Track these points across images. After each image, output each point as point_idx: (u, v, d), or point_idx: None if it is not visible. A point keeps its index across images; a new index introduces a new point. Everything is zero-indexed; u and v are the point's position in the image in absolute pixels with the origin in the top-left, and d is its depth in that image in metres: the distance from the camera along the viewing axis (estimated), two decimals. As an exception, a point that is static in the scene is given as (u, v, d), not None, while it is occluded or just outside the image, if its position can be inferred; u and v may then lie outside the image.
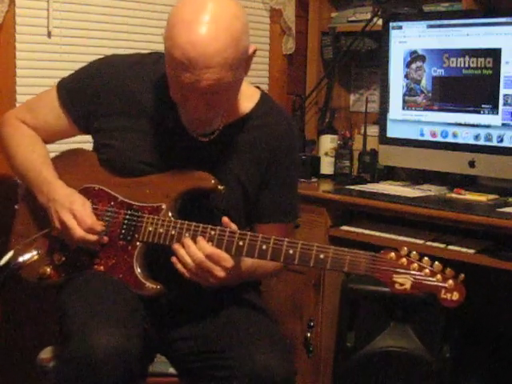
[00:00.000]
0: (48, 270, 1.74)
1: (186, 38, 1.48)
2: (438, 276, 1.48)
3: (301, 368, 2.57)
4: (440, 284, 1.48)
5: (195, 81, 1.50)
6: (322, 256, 1.54)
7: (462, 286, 1.49)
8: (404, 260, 1.50)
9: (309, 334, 2.55)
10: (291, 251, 1.56)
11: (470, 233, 2.26)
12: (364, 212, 2.48)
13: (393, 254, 1.51)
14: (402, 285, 1.50)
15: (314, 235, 2.50)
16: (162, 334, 1.75)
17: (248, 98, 1.75)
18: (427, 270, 1.49)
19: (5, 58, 2.28)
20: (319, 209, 2.51)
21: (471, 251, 2.18)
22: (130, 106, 1.73)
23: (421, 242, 2.29)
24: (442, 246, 2.24)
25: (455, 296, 1.48)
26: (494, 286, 2.55)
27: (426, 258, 1.50)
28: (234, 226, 1.60)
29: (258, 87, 1.82)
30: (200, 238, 1.59)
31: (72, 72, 1.83)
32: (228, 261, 1.58)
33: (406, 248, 1.52)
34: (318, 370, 2.57)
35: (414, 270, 1.49)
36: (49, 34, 2.36)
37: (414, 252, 1.51)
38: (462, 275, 1.49)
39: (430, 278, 1.48)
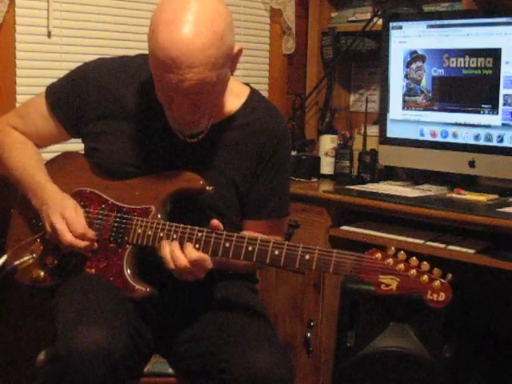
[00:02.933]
0: (41, 273, 1.74)
1: (168, 38, 1.47)
2: (425, 276, 1.46)
3: (301, 368, 2.57)
4: (426, 285, 1.46)
5: (179, 81, 1.49)
6: (307, 257, 1.53)
7: (448, 287, 1.46)
8: (390, 260, 1.48)
9: (309, 334, 2.55)
10: (277, 252, 1.55)
11: (469, 233, 2.26)
12: (364, 212, 2.48)
13: (379, 255, 1.49)
14: (387, 285, 1.47)
15: (314, 235, 2.50)
16: (160, 336, 1.74)
17: (236, 97, 1.74)
18: (413, 271, 1.46)
19: (5, 58, 2.28)
20: (319, 209, 2.51)
21: (471, 251, 2.18)
22: (117, 109, 1.73)
23: (421, 241, 2.29)
24: (442, 246, 2.24)
25: (441, 297, 1.46)
26: (494, 286, 2.55)
27: (413, 258, 1.48)
28: (221, 228, 1.60)
29: (247, 84, 1.81)
30: (187, 244, 1.58)
31: (61, 77, 1.83)
32: (209, 262, 1.58)
33: (393, 248, 1.49)
34: (318, 370, 2.57)
35: (400, 270, 1.47)
36: (49, 34, 2.36)
37: (402, 252, 1.49)
38: (450, 275, 1.47)
39: (417, 279, 1.46)
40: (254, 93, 1.78)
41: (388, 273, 1.47)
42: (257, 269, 1.88)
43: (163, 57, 1.48)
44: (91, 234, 1.67)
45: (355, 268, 1.50)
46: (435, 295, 1.46)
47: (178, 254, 1.57)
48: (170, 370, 1.74)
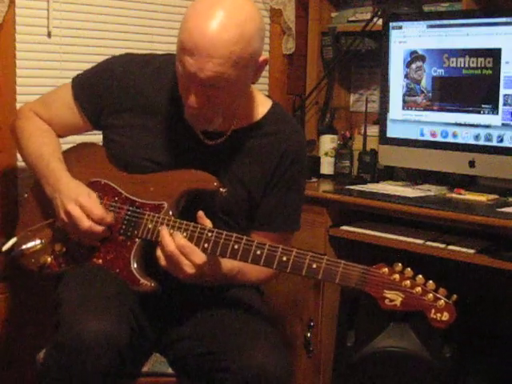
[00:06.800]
0: (49, 259, 1.76)
1: (197, 25, 1.51)
2: (430, 295, 1.47)
3: (301, 368, 2.57)
4: (430, 303, 1.47)
5: (197, 69, 1.51)
6: (314, 266, 1.54)
7: (452, 307, 1.47)
8: (396, 276, 1.49)
9: (309, 334, 2.55)
10: (285, 258, 1.56)
11: (470, 233, 2.26)
12: (364, 212, 2.48)
13: (386, 269, 1.50)
14: (391, 301, 1.48)
15: (314, 235, 2.50)
16: (160, 334, 1.75)
17: (259, 106, 1.77)
18: (419, 288, 1.47)
19: (5, 58, 2.28)
20: (319, 209, 2.51)
21: (471, 251, 2.18)
22: (140, 104, 1.75)
23: (421, 241, 2.29)
24: (442, 246, 2.24)
25: (445, 317, 1.46)
26: (494, 286, 2.55)
27: (419, 276, 1.49)
28: (207, 223, 1.61)
29: (269, 96, 1.83)
30: (176, 232, 1.60)
31: (87, 68, 1.87)
32: (199, 257, 1.58)
33: (400, 264, 1.50)
34: (318, 369, 2.57)
35: (405, 286, 1.48)
36: (49, 34, 2.36)
37: (409, 269, 1.50)
38: (455, 296, 1.48)
39: (421, 297, 1.47)
40: (276, 105, 1.81)
41: (393, 288, 1.48)
42: (264, 282, 1.87)
43: (188, 41, 1.51)
44: (110, 217, 1.68)
45: (361, 281, 1.51)
46: (439, 314, 1.47)
47: (167, 238, 1.58)
48: (170, 370, 1.74)
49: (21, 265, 1.78)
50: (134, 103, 1.75)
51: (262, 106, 1.78)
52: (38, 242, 1.76)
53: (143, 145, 1.74)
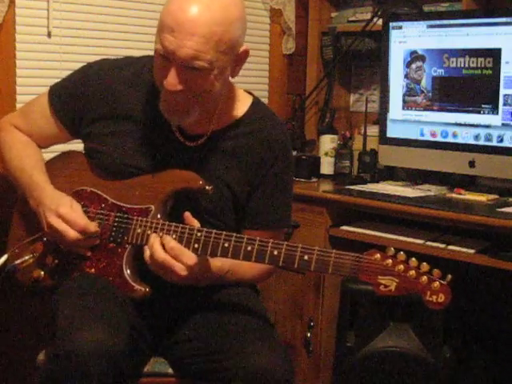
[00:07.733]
0: (42, 273, 1.74)
1: (179, 5, 1.51)
2: (424, 277, 1.45)
3: (301, 368, 2.57)
4: (425, 286, 1.45)
5: (177, 46, 1.50)
6: (306, 257, 1.53)
7: (448, 288, 1.45)
8: (389, 261, 1.47)
9: (309, 334, 2.55)
10: (276, 252, 1.55)
11: (469, 233, 2.26)
12: (364, 212, 2.48)
13: (378, 255, 1.48)
14: (386, 286, 1.46)
15: (314, 235, 2.50)
16: (160, 337, 1.74)
17: (239, 105, 1.74)
18: (413, 272, 1.45)
19: (5, 58, 2.28)
20: (319, 209, 2.51)
21: (471, 251, 2.18)
22: (118, 110, 1.73)
23: (421, 241, 2.29)
24: (442, 245, 2.24)
25: (441, 298, 1.45)
26: (494, 286, 2.55)
27: (413, 259, 1.47)
28: (195, 223, 1.60)
29: (250, 93, 1.81)
30: (165, 235, 1.59)
31: (64, 77, 1.83)
32: (190, 258, 1.56)
33: (392, 248, 1.48)
34: (317, 370, 2.57)
35: (399, 271, 1.46)
36: (49, 34, 2.36)
37: (401, 252, 1.48)
38: (450, 276, 1.46)
39: (416, 280, 1.45)
40: (256, 102, 1.78)
41: (387, 274, 1.47)
42: (260, 280, 1.86)
43: (169, 19, 1.50)
44: (93, 227, 1.67)
45: (354, 269, 1.49)
46: (434, 297, 1.45)
47: (156, 246, 1.57)
48: (170, 370, 1.74)
49: (15, 280, 1.77)
50: (112, 110, 1.73)
51: (242, 104, 1.75)
52: (29, 256, 1.74)
53: (124, 152, 1.72)
